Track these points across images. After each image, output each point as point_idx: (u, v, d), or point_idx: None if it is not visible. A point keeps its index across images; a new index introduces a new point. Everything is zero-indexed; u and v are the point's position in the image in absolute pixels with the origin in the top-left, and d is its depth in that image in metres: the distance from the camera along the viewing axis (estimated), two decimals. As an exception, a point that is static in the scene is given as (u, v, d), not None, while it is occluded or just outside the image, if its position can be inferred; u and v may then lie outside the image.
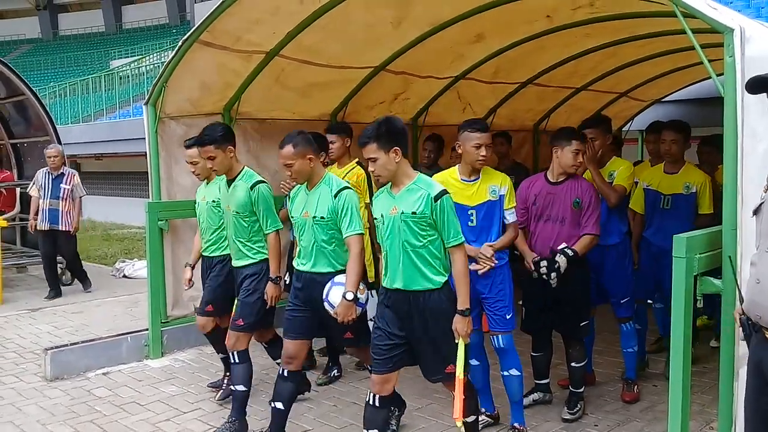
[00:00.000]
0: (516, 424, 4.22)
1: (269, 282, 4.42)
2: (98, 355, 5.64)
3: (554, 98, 8.36)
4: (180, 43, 5.48)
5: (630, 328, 4.86)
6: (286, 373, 4.07)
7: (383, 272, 3.61)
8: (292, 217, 4.19)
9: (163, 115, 5.82)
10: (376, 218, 3.63)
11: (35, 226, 8.21)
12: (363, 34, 5.80)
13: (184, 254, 6.06)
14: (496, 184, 4.10)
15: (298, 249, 4.20)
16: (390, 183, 3.55)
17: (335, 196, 3.97)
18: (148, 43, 32.04)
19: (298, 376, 4.19)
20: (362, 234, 3.97)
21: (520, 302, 4.50)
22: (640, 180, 5.10)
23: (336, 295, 3.90)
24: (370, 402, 3.67)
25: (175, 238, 6.02)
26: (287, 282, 5.05)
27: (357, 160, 5.59)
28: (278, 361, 4.51)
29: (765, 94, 2.50)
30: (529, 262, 4.29)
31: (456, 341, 3.47)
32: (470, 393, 3.64)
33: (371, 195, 5.47)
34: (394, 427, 4.30)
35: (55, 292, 8.34)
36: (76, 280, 8.77)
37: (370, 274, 5.40)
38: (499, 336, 4.16)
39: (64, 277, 8.78)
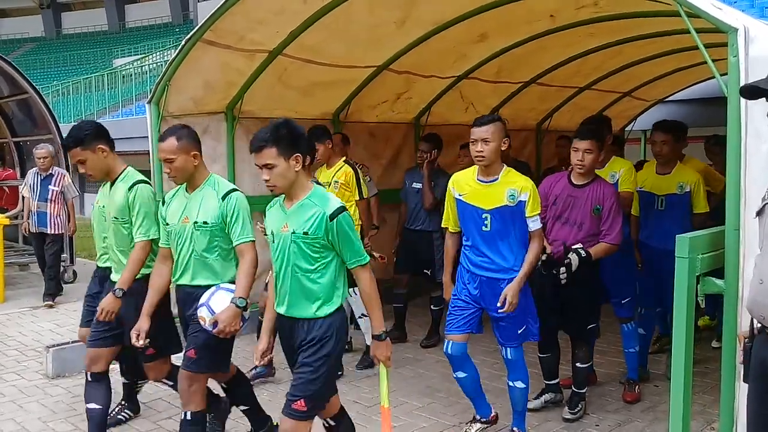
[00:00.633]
0: (515, 429, 4.16)
1: (109, 293, 3.76)
2: None
3: (557, 98, 8.35)
4: (183, 42, 5.48)
5: (631, 329, 4.85)
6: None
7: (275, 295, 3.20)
8: (167, 224, 3.68)
9: (166, 113, 5.82)
10: (266, 235, 3.25)
11: (28, 227, 8.04)
12: (366, 33, 5.80)
13: (187, 253, 6.08)
14: (516, 189, 3.83)
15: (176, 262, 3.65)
16: (284, 195, 3.15)
17: (223, 198, 3.54)
18: (151, 41, 32.13)
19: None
20: (254, 241, 3.58)
21: None
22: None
23: (221, 300, 3.42)
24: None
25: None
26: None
27: (344, 158, 5.65)
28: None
29: (765, 98, 2.49)
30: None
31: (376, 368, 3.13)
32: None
33: (361, 193, 5.52)
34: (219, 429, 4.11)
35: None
36: (76, 279, 8.74)
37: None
38: (508, 349, 4.05)
39: (66, 275, 8.78)
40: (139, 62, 26.31)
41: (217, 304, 3.41)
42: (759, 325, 2.51)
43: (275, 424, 3.96)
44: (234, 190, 3.61)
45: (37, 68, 34.58)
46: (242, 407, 4.09)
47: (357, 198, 5.57)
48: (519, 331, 4.01)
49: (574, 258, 4.07)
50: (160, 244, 3.77)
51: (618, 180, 4.73)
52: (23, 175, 10.31)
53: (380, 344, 3.16)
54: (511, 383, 4.11)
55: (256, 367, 5.00)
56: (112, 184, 3.94)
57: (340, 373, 5.12)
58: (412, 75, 6.81)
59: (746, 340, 2.55)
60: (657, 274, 4.78)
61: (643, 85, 8.55)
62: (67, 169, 8.48)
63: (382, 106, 7.22)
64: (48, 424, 4.53)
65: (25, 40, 42.75)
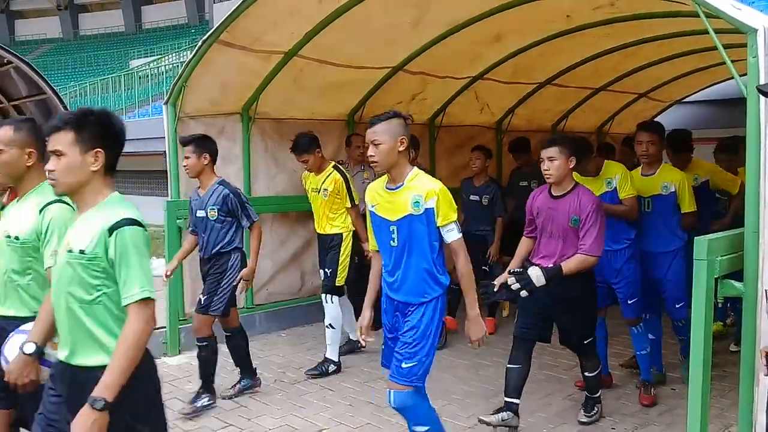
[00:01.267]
0: None
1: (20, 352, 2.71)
2: None
3: (573, 99, 8.32)
4: (200, 44, 5.51)
5: (640, 331, 4.79)
6: None
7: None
8: None
9: (183, 114, 5.86)
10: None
11: None
12: (381, 34, 5.81)
13: (202, 253, 6.11)
14: (420, 194, 3.23)
15: None
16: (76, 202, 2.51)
17: (41, 211, 2.87)
18: (167, 42, 32.30)
19: None
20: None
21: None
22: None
23: (13, 346, 2.74)
24: None
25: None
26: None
27: (333, 163, 5.58)
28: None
29: None
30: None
31: None
32: None
33: (352, 199, 5.42)
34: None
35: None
36: None
37: (340, 280, 5.43)
38: (391, 392, 3.38)
39: None
40: (155, 63, 26.46)
41: (9, 352, 2.75)
42: None
43: None
44: (57, 201, 2.86)
45: (54, 69, 34.88)
46: None
47: (348, 205, 5.48)
48: (404, 365, 3.31)
49: (534, 272, 3.91)
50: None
51: (615, 186, 4.66)
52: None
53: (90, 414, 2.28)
54: None
55: (241, 380, 5.00)
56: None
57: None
58: (427, 76, 6.81)
59: None
60: (644, 277, 4.78)
61: (659, 86, 8.49)
62: None
63: (397, 107, 7.17)
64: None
65: (42, 41, 43.17)
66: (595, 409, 4.46)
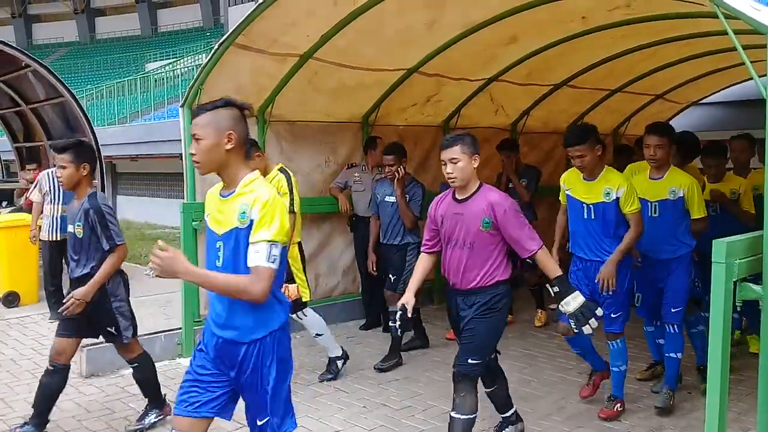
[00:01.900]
0: None
1: None
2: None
3: (589, 100, 8.28)
4: (216, 46, 5.54)
5: (618, 347, 4.51)
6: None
7: None
8: None
9: (198, 116, 5.88)
10: None
11: (38, 236, 7.33)
12: (396, 36, 5.81)
13: (217, 254, 6.14)
14: (247, 204, 2.66)
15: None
16: None
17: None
18: (182, 46, 32.56)
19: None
20: None
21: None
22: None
23: None
24: None
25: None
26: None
27: (280, 166, 5.15)
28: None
29: None
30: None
31: None
32: None
33: (291, 204, 4.93)
34: None
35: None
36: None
37: (305, 293, 5.14)
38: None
39: None
40: (170, 66, 26.66)
41: None
42: None
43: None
44: None
45: (71, 72, 35.24)
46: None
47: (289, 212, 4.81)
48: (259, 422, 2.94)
49: (573, 299, 3.62)
50: None
51: (619, 200, 4.30)
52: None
53: None
54: None
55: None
56: None
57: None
58: (442, 77, 6.80)
59: None
60: (651, 285, 4.65)
61: (676, 87, 8.43)
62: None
63: (412, 109, 7.22)
64: (82, 422, 4.60)
65: (59, 44, 43.62)
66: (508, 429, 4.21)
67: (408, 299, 3.67)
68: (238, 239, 2.66)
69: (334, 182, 6.80)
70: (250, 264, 2.60)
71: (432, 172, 7.52)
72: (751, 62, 3.21)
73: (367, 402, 4.90)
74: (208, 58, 5.62)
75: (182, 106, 5.90)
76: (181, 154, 6.02)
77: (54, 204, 7.13)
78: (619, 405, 4.54)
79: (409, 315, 3.63)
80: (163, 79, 25.61)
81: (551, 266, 3.64)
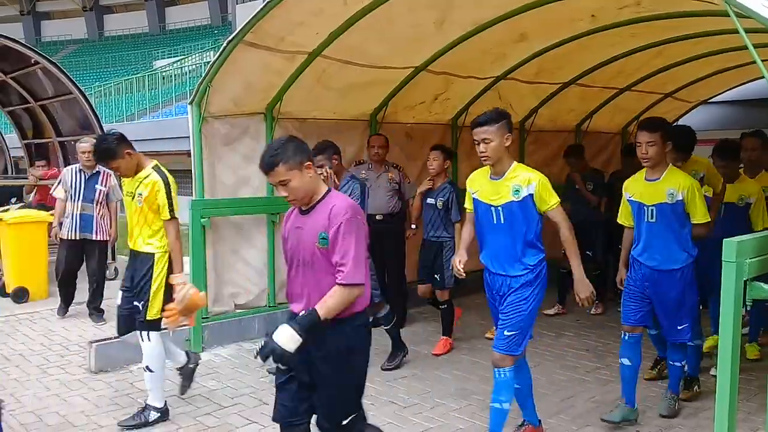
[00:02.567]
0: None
1: None
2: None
3: (598, 98, 8.26)
4: (225, 44, 5.55)
5: (505, 378, 3.86)
6: None
7: None
8: None
9: (207, 114, 5.91)
10: None
11: (58, 233, 7.11)
12: (405, 34, 5.81)
13: (225, 252, 6.16)
14: None
15: None
16: None
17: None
18: (190, 43, 32.63)
19: None
20: None
21: None
22: (624, 190, 4.45)
23: None
24: None
25: (217, 236, 6.10)
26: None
27: (155, 164, 4.57)
28: None
29: None
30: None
31: None
32: None
33: (171, 207, 4.41)
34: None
35: (66, 310, 7.22)
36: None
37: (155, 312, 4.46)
38: None
39: (107, 271, 8.70)
40: (178, 64, 26.73)
41: None
42: None
43: None
44: None
45: (79, 69, 35.36)
46: None
47: (167, 216, 4.38)
48: None
49: (282, 333, 2.88)
50: None
51: (532, 196, 3.84)
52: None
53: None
54: None
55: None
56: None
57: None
58: (450, 76, 6.80)
59: None
60: (651, 296, 4.32)
61: (685, 86, 8.40)
62: None
63: (420, 107, 7.22)
64: (91, 417, 4.62)
65: (68, 42, 43.78)
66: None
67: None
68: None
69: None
70: None
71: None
72: (763, 61, 3.19)
73: (375, 399, 4.90)
74: (217, 55, 5.63)
75: (191, 103, 5.91)
76: (189, 151, 6.03)
77: (75, 202, 6.91)
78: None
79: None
80: (170, 76, 25.69)
81: (330, 309, 2.91)
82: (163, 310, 4.40)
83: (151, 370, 4.50)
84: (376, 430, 3.37)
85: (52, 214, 7.68)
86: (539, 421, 4.18)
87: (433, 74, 6.66)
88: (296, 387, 3.10)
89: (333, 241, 2.94)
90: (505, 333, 3.77)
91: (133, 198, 4.46)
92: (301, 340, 2.87)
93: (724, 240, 2.85)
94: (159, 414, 4.50)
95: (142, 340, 4.50)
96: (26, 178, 10.65)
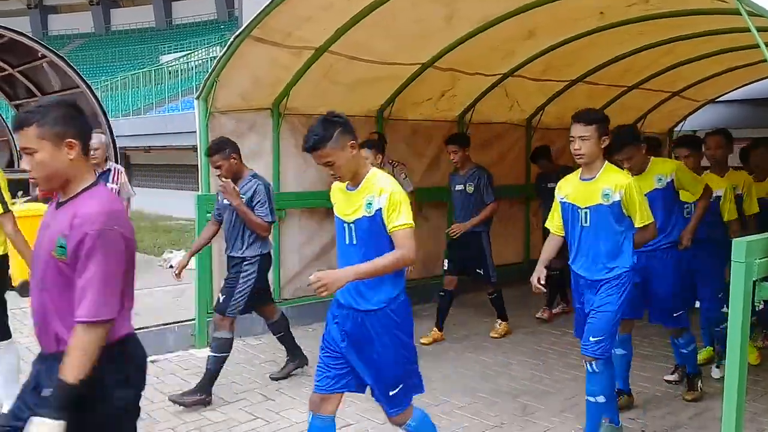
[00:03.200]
0: None
1: None
2: (146, 344, 5.50)
3: (605, 96, 8.22)
4: (232, 39, 5.55)
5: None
6: None
7: None
8: None
9: (214, 109, 5.90)
10: None
11: None
12: (412, 30, 5.79)
13: (231, 247, 6.16)
14: None
15: None
16: None
17: None
18: (197, 38, 32.62)
19: None
20: None
21: None
22: (557, 191, 4.08)
23: None
24: None
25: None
26: None
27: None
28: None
29: None
30: None
31: None
32: None
33: (3, 200, 4.18)
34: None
35: None
36: None
37: None
38: None
39: None
40: (185, 58, 26.71)
41: None
42: None
43: None
44: None
45: (86, 64, 35.36)
46: None
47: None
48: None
49: (36, 423, 2.17)
50: None
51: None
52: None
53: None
54: None
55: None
56: None
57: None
58: (457, 72, 6.78)
59: None
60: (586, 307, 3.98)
61: (693, 84, 8.37)
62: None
63: (426, 104, 7.20)
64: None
65: (75, 36, 43.81)
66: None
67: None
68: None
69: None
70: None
71: (446, 166, 7.50)
72: (773, 60, 3.17)
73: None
74: (224, 50, 5.63)
75: (197, 98, 5.91)
76: (195, 146, 6.04)
77: None
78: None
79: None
80: (177, 71, 25.68)
81: (78, 360, 2.19)
82: None
83: None
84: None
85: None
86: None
87: (439, 71, 6.65)
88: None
89: (73, 257, 2.23)
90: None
91: None
92: (63, 422, 2.16)
93: (733, 240, 2.83)
94: None
95: None
96: (32, 172, 10.66)
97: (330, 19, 5.45)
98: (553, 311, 6.98)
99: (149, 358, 5.01)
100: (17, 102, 11.59)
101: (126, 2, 44.39)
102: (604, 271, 3.83)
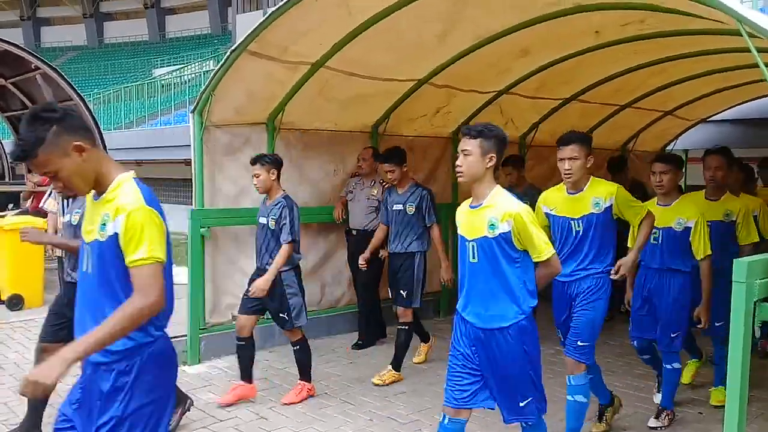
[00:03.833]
0: None
1: None
2: None
3: (598, 115, 8.26)
4: (228, 53, 5.53)
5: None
6: None
7: None
8: None
9: (209, 123, 5.88)
10: None
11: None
12: (408, 46, 5.80)
13: (223, 262, 6.10)
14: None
15: None
16: None
17: None
18: (190, 52, 32.70)
19: None
20: None
21: None
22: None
23: None
24: None
25: (215, 246, 6.05)
26: None
27: None
28: None
29: None
30: None
31: None
32: None
33: None
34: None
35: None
36: None
37: None
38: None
39: None
40: (178, 72, 26.75)
41: None
42: None
43: None
44: None
45: (78, 76, 35.33)
46: None
47: None
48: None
49: None
50: None
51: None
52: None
53: None
54: None
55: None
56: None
57: None
58: (452, 89, 6.79)
59: None
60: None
61: (685, 104, 8.42)
62: None
63: (421, 120, 7.21)
64: (85, 428, 4.55)
65: (68, 48, 43.80)
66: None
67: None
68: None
69: (343, 191, 6.78)
70: None
71: (440, 182, 7.50)
72: (771, 80, 3.18)
73: (374, 415, 4.85)
74: (220, 64, 5.61)
75: (193, 112, 5.89)
76: (186, 160, 6.00)
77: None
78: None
79: None
80: (170, 84, 25.68)
81: None
82: None
83: None
84: None
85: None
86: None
87: (435, 87, 6.66)
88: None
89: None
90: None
91: None
92: None
93: (734, 260, 2.82)
94: None
95: None
96: (24, 184, 10.60)
97: (327, 34, 5.45)
98: None
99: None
100: (9, 114, 11.54)
101: (119, 15, 44.46)
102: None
